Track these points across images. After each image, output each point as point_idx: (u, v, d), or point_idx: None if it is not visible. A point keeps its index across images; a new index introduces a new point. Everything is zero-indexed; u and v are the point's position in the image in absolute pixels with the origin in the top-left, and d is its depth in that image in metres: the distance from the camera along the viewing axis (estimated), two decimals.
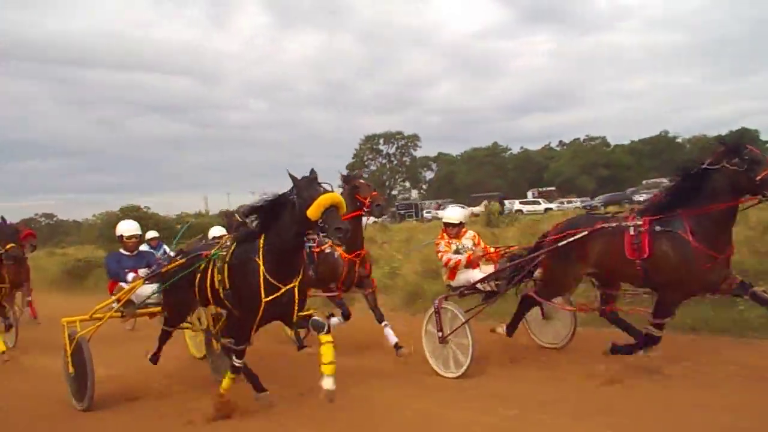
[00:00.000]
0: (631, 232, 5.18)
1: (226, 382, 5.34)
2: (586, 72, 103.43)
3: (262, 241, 5.00)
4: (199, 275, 5.46)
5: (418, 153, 70.91)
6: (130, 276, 6.35)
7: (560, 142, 71.29)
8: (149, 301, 6.14)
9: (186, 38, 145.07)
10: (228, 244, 5.37)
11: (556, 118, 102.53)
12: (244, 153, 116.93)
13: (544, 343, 6.59)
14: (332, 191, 4.91)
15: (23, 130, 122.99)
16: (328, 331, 4.90)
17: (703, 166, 5.00)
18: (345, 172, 7.42)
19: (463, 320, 5.83)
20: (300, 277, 5.04)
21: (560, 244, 5.58)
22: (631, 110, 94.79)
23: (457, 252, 6.30)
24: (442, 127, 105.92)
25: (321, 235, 5.17)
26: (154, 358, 6.26)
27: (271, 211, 5.01)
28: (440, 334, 5.99)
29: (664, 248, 5.04)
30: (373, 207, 6.57)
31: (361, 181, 7.12)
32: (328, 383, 4.74)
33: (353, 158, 70.43)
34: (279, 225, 4.94)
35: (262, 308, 4.90)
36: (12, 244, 8.27)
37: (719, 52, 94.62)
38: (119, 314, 6.17)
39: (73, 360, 5.89)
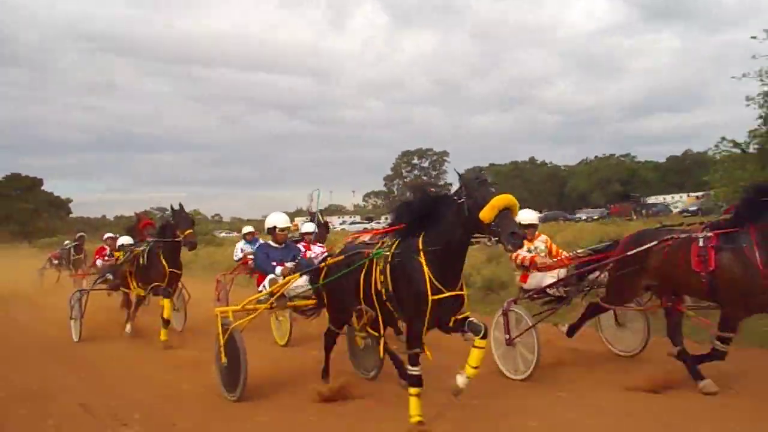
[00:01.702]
0: (700, 244, 5.00)
1: (414, 407, 4.68)
2: (713, 71, 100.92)
3: (421, 240, 4.71)
4: (362, 274, 5.14)
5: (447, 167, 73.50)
6: (279, 269, 6.24)
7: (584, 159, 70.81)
8: (300, 293, 6.04)
9: (306, 39, 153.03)
10: (389, 243, 5.09)
11: (680, 119, 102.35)
12: (360, 151, 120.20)
13: (617, 350, 6.45)
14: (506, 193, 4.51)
15: (154, 125, 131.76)
16: (485, 336, 4.62)
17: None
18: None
19: (531, 324, 5.73)
20: (462, 284, 4.75)
21: (628, 253, 5.44)
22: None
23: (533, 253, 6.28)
24: (558, 127, 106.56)
25: (493, 239, 4.91)
26: (325, 374, 5.97)
27: (434, 210, 4.73)
28: (507, 336, 5.92)
29: (729, 262, 4.84)
30: None
31: (432, 189, 6.81)
32: (461, 380, 4.57)
33: (391, 170, 74.77)
34: (443, 226, 4.64)
35: (430, 307, 4.57)
36: (190, 230, 8.11)
37: None
38: (270, 306, 6.04)
39: (226, 350, 5.77)
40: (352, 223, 54.64)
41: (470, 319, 4.73)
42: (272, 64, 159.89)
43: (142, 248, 8.92)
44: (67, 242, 17.93)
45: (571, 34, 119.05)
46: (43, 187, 61.19)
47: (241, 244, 10.71)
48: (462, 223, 4.52)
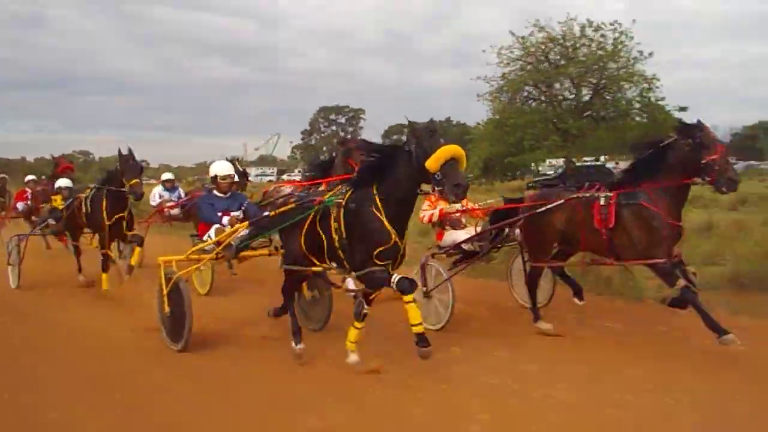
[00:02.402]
0: (602, 203, 5.27)
1: (353, 335, 4.92)
2: (656, 37, 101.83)
3: (375, 189, 4.66)
4: (309, 223, 5.07)
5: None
6: (225, 219, 6.01)
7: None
8: (244, 245, 5.75)
9: None
10: (343, 191, 4.99)
11: None
12: (304, 101, 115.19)
13: (525, 302, 6.51)
14: (454, 144, 4.47)
15: (88, 64, 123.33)
16: (409, 291, 4.46)
17: (661, 144, 5.17)
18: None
19: (446, 277, 5.91)
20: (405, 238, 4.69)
21: (538, 211, 5.67)
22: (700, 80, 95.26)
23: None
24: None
25: (437, 189, 4.90)
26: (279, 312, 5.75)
27: (386, 160, 4.67)
28: (424, 289, 6.07)
29: (629, 218, 5.14)
30: None
31: (355, 145, 7.00)
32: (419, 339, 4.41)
33: (309, 125, 75.44)
34: (394, 176, 4.59)
35: (380, 253, 4.51)
36: (136, 180, 7.56)
37: None
38: (216, 257, 5.82)
39: (170, 300, 5.58)
40: (261, 175, 54.09)
41: (395, 276, 4.57)
42: (214, 4, 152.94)
43: (85, 195, 8.41)
44: None
45: None
46: None
47: (158, 190, 10.35)
48: (411, 172, 4.48)
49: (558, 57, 26.18)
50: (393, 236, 4.56)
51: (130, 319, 6.75)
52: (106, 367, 5.32)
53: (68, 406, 4.43)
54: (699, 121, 5.06)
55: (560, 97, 26.82)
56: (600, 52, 25.22)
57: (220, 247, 5.74)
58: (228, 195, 6.36)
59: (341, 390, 4.58)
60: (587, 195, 5.46)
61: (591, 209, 5.35)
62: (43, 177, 13.18)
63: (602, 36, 25.37)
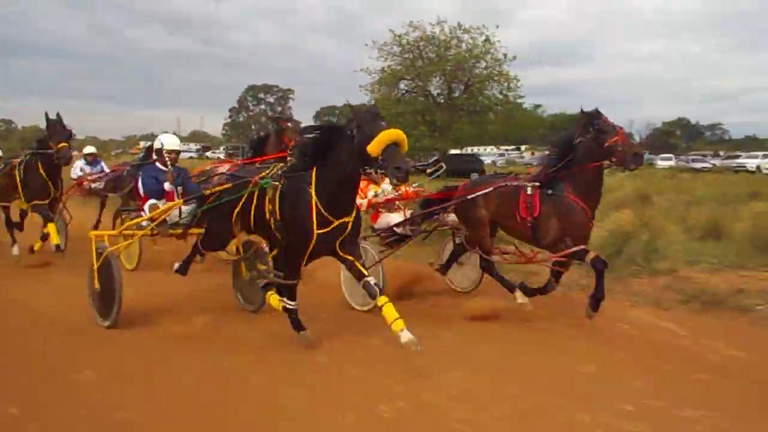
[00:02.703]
0: (528, 192, 5.56)
1: (274, 300, 5.18)
2: (599, 30, 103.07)
3: (314, 173, 4.71)
4: (243, 202, 5.14)
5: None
6: (167, 185, 5.83)
7: None
8: (182, 221, 5.73)
9: None
10: (279, 172, 5.05)
11: (565, 73, 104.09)
12: (247, 77, 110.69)
13: (455, 286, 6.82)
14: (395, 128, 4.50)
15: (20, 27, 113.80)
16: (380, 295, 4.55)
17: (568, 135, 5.57)
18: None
19: (377, 260, 6.03)
20: (354, 213, 4.81)
21: (469, 197, 5.96)
22: (639, 74, 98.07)
23: (375, 197, 6.44)
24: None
25: (379, 172, 5.00)
26: (183, 269, 5.83)
27: (326, 142, 4.69)
28: None
29: (550, 208, 5.44)
30: (294, 149, 6.47)
31: (289, 124, 7.21)
32: (405, 336, 4.35)
33: (237, 103, 74.37)
34: (334, 158, 4.61)
35: (313, 241, 4.64)
36: (64, 144, 7.33)
37: (733, 23, 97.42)
38: (150, 233, 5.70)
39: (100, 276, 5.42)
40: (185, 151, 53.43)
41: (365, 280, 4.65)
42: None
43: (19, 160, 8.10)
44: None
45: None
46: None
47: (80, 163, 10.03)
48: (352, 155, 4.49)
49: (432, 55, 29.26)
50: (332, 221, 4.61)
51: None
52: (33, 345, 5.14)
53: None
54: (596, 109, 5.41)
55: (433, 92, 30.15)
56: (465, 54, 28.81)
57: (154, 224, 5.64)
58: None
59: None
60: (514, 184, 5.72)
61: (517, 198, 5.60)
62: None
63: (472, 38, 29.04)
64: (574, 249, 5.28)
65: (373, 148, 4.30)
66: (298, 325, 5.07)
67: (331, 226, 4.65)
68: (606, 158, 5.29)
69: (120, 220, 8.37)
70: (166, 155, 6.13)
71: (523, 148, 53.29)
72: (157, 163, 6.23)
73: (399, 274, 6.45)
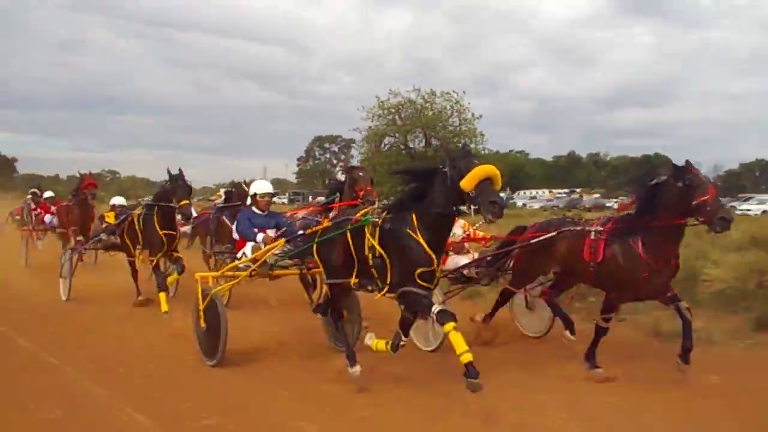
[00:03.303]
0: (592, 237, 5.39)
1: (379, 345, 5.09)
2: (687, 69, 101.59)
3: (414, 209, 4.69)
4: (345, 240, 5.12)
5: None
6: (260, 236, 6.10)
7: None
8: (282, 263, 5.93)
9: (284, 9, 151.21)
10: (380, 211, 5.07)
11: (653, 114, 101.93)
12: (329, 126, 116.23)
13: (527, 332, 6.71)
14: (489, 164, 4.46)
15: (126, 86, 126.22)
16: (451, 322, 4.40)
17: (653, 184, 5.26)
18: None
19: (442, 300, 5.86)
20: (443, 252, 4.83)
21: (532, 241, 5.81)
22: (731, 113, 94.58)
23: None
24: (532, 115, 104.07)
25: (473, 208, 5.00)
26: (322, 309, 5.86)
27: (424, 179, 4.74)
28: None
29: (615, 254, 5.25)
30: (364, 199, 6.76)
31: (360, 174, 7.35)
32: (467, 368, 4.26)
33: (304, 153, 78.33)
34: (430, 196, 4.61)
35: (417, 275, 4.54)
36: (186, 201, 7.56)
37: None
38: (251, 274, 5.86)
39: (206, 316, 5.64)
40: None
41: (439, 309, 4.57)
42: (247, 31, 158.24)
43: (138, 212, 8.53)
44: (28, 196, 15.99)
45: (548, 22, 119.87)
46: None
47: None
48: (446, 192, 4.50)
49: (410, 116, 35.01)
50: (433, 259, 4.61)
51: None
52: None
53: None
54: (687, 162, 5.12)
55: (413, 147, 35.61)
56: (434, 113, 34.64)
57: (256, 265, 5.86)
58: (266, 213, 6.45)
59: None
60: (579, 228, 5.60)
61: (582, 242, 5.47)
62: (69, 195, 13.49)
63: (446, 100, 34.69)
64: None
65: (467, 183, 4.32)
66: (352, 359, 5.11)
67: (432, 267, 4.63)
68: (692, 216, 5.03)
69: (213, 260, 8.78)
70: (259, 199, 6.43)
71: (578, 190, 53.49)
72: (253, 208, 6.53)
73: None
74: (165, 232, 8.00)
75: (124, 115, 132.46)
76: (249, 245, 6.08)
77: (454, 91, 35.01)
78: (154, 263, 8.18)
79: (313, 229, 5.59)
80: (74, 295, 9.06)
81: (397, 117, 35.51)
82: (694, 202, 4.90)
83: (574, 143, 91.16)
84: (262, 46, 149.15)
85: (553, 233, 5.71)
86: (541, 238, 5.77)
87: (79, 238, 11.09)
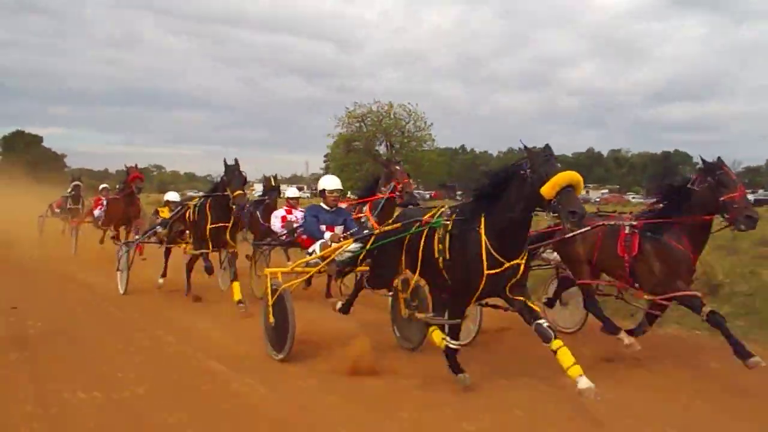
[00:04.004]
0: (626, 231, 5.41)
1: (435, 337, 5.08)
2: (739, 62, 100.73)
3: (484, 212, 4.60)
4: (411, 241, 5.15)
5: None
6: (327, 234, 6.08)
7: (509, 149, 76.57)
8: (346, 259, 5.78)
9: (330, 4, 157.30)
10: (449, 212, 4.97)
11: (702, 108, 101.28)
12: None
13: (560, 327, 6.51)
14: (570, 170, 4.28)
15: (175, 82, 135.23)
16: (555, 338, 4.36)
17: (683, 182, 5.33)
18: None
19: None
20: (525, 254, 4.66)
21: (567, 235, 5.70)
22: None
23: None
24: (580, 111, 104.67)
25: (552, 215, 4.91)
26: (345, 309, 6.00)
27: (499, 182, 4.60)
28: None
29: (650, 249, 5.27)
30: (403, 192, 7.17)
31: (397, 167, 7.71)
32: (583, 383, 4.16)
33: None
34: (505, 198, 4.49)
35: (483, 281, 4.53)
36: (240, 192, 7.45)
37: None
38: (319, 271, 5.88)
39: (275, 311, 5.64)
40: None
41: (538, 322, 4.46)
42: (295, 27, 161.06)
43: (194, 203, 8.52)
44: (69, 189, 16.59)
45: (597, 16, 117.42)
46: (43, 144, 67.18)
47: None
48: (524, 197, 4.36)
49: (372, 124, 43.33)
50: (503, 262, 4.51)
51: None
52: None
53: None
54: (719, 159, 5.14)
55: (376, 150, 43.49)
56: (391, 121, 43.22)
57: (325, 263, 5.81)
58: (333, 209, 6.42)
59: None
60: (613, 223, 5.60)
61: (616, 238, 5.46)
62: (117, 186, 13.82)
63: (406, 111, 43.20)
64: (687, 293, 5.07)
65: (548, 190, 4.17)
66: (456, 367, 4.94)
67: (502, 268, 4.53)
68: (719, 213, 5.04)
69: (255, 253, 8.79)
70: (327, 195, 6.41)
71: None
72: (321, 204, 6.51)
73: (497, 316, 6.19)
74: (219, 224, 7.91)
75: (173, 111, 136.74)
76: (318, 242, 6.05)
77: (408, 103, 43.92)
78: (206, 254, 8.08)
79: (383, 228, 5.53)
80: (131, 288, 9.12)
81: (363, 124, 43.56)
82: (722, 198, 4.94)
83: (623, 138, 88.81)
84: (309, 42, 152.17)
85: (588, 228, 5.64)
86: (577, 232, 5.62)
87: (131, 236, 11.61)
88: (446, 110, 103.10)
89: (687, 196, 5.20)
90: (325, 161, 78.84)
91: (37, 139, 67.34)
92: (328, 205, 6.37)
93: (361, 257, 5.82)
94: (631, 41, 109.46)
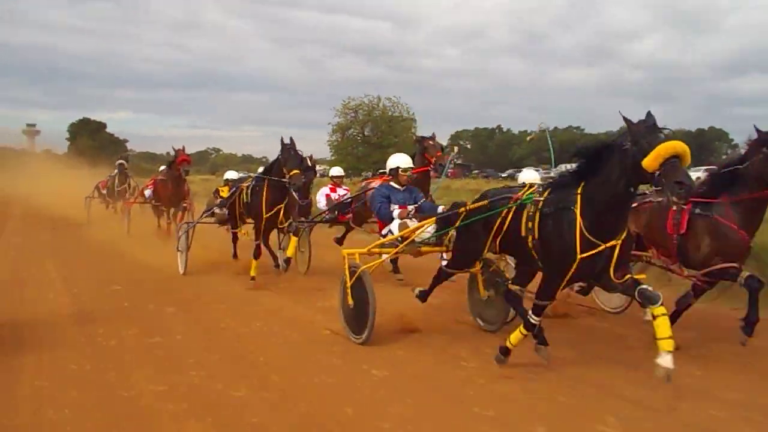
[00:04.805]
0: (674, 209, 5.16)
1: (515, 336, 4.71)
2: None
3: (580, 189, 4.28)
4: (500, 219, 4.87)
5: None
6: (396, 211, 5.91)
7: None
8: (429, 238, 5.64)
9: None
10: (541, 189, 4.67)
11: None
12: (437, 100, 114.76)
13: (607, 308, 6.43)
14: (676, 140, 3.89)
15: (236, 64, 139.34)
16: (661, 303, 4.04)
17: (739, 157, 5.08)
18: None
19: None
20: (624, 235, 4.28)
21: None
22: None
23: None
24: (645, 85, 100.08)
25: (656, 189, 4.51)
26: (424, 296, 5.84)
27: (596, 157, 4.24)
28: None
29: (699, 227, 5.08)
30: (436, 165, 7.53)
31: (431, 142, 7.94)
32: (665, 360, 3.90)
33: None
34: (604, 174, 4.13)
35: (575, 265, 4.21)
36: (297, 171, 7.29)
37: None
38: (398, 251, 5.70)
39: (353, 293, 5.46)
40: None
41: (642, 287, 4.18)
42: (352, 6, 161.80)
43: (246, 184, 8.37)
44: (115, 170, 16.90)
45: None
46: (107, 129, 70.82)
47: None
48: (626, 171, 4.00)
49: (364, 113, 51.16)
50: (597, 244, 4.18)
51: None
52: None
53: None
54: None
55: (368, 135, 51.31)
56: (378, 112, 50.86)
57: (404, 244, 5.61)
58: (404, 188, 6.22)
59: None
60: (660, 200, 5.35)
61: (666, 214, 5.31)
62: (162, 168, 14.03)
63: (394, 104, 50.97)
64: (723, 266, 4.85)
65: (650, 162, 3.79)
66: (541, 339, 4.69)
67: (597, 250, 4.21)
68: None
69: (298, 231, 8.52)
70: (401, 173, 6.22)
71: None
72: (391, 182, 6.32)
73: None
74: (275, 206, 7.75)
75: (235, 93, 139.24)
76: (396, 222, 5.87)
77: (395, 96, 53.10)
78: (258, 238, 7.93)
79: (470, 206, 5.28)
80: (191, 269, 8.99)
81: (357, 114, 51.35)
82: None
83: (693, 113, 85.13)
84: (366, 21, 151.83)
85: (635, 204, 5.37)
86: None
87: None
88: (506, 87, 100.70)
89: (743, 172, 4.96)
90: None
91: (102, 126, 70.49)
92: (400, 184, 6.18)
93: (447, 237, 5.63)
94: (699, 12, 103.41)
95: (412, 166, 6.23)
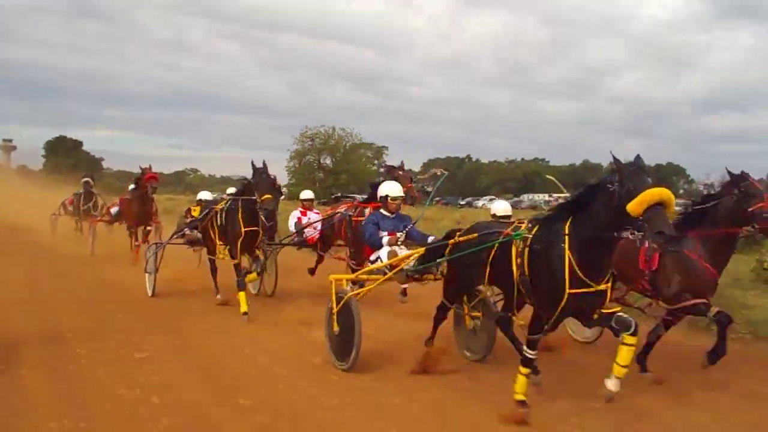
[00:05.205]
0: (646, 245, 5.19)
1: (520, 384, 4.46)
2: None
3: (567, 227, 4.23)
4: (492, 253, 4.80)
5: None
6: (386, 239, 5.86)
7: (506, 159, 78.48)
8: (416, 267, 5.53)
9: (376, 11, 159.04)
10: (530, 225, 4.62)
11: (750, 119, 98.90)
12: (423, 127, 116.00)
13: (578, 338, 6.50)
14: (661, 185, 3.83)
15: (225, 87, 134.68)
16: (635, 333, 4.06)
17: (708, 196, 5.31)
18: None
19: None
20: (610, 279, 4.27)
21: None
22: None
23: None
24: (624, 119, 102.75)
25: (637, 233, 4.51)
26: (430, 342, 5.78)
27: (583, 197, 4.23)
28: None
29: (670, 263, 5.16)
30: (406, 196, 6.94)
31: (401, 172, 7.80)
32: (612, 384, 4.04)
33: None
34: (589, 213, 4.08)
35: (564, 301, 4.16)
36: (268, 196, 7.06)
37: None
38: (386, 279, 5.57)
39: (339, 319, 5.36)
40: None
41: (618, 314, 4.20)
42: (342, 33, 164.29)
43: (221, 206, 8.04)
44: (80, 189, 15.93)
45: (643, 24, 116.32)
46: (83, 147, 69.40)
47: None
48: (609, 213, 3.93)
49: (320, 142, 55.20)
50: (588, 283, 4.14)
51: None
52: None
53: None
54: (743, 172, 5.10)
55: (324, 163, 56.12)
56: (333, 142, 55.38)
57: (393, 272, 5.55)
58: (394, 215, 6.19)
59: None
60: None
61: (638, 251, 5.30)
62: (130, 187, 13.26)
63: (348, 134, 55.54)
64: (695, 301, 4.99)
65: (635, 207, 3.72)
66: (533, 368, 4.62)
67: (587, 290, 4.16)
68: (747, 224, 4.98)
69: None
70: (390, 202, 6.23)
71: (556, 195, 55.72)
72: (382, 210, 6.33)
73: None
74: (247, 228, 7.52)
75: (220, 114, 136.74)
76: (384, 250, 5.84)
77: (349, 127, 54.97)
78: (235, 261, 7.66)
79: (458, 239, 5.29)
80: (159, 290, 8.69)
81: (313, 143, 55.10)
82: (751, 209, 4.88)
83: (670, 148, 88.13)
84: (355, 48, 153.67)
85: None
86: None
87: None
88: (489, 117, 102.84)
89: (713, 208, 5.17)
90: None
91: (78, 144, 69.30)
92: (389, 212, 6.18)
93: (438, 267, 5.62)
94: (677, 51, 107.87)
95: (402, 195, 6.22)
